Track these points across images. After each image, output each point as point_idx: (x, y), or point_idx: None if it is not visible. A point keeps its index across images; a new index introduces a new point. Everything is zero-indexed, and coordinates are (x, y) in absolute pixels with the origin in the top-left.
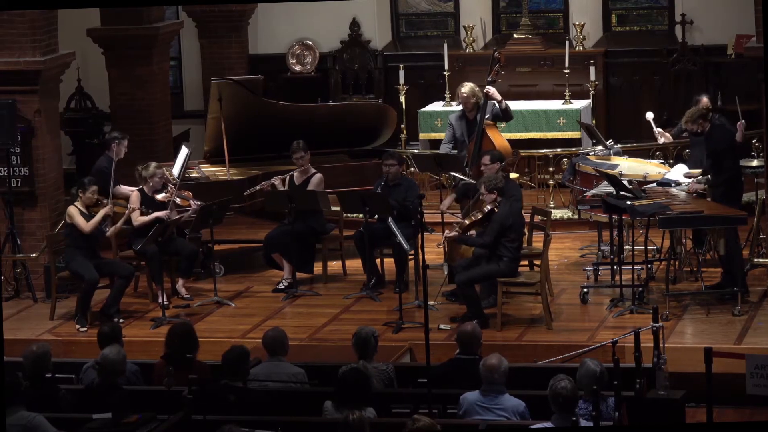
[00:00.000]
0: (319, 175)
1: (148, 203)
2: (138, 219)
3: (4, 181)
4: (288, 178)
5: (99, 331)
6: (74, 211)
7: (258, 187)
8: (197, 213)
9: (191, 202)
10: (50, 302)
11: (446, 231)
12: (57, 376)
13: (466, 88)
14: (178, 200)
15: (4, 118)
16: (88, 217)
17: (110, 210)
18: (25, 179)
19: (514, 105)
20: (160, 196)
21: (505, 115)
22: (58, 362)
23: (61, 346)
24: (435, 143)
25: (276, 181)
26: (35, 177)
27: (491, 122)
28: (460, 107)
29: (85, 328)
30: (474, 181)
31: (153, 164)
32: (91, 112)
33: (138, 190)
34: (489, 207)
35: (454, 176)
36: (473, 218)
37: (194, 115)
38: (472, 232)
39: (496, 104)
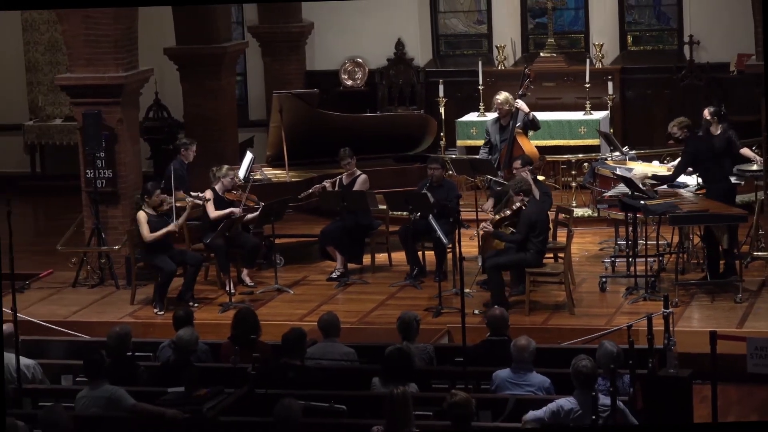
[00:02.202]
0: (363, 176)
1: (218, 201)
2: (214, 213)
3: (90, 182)
4: (337, 180)
5: (174, 315)
6: (142, 218)
7: (311, 191)
8: (261, 211)
9: (259, 203)
10: (131, 289)
11: (481, 224)
12: (137, 354)
13: (502, 96)
14: (250, 203)
15: (90, 126)
16: (155, 222)
17: (175, 227)
18: (108, 180)
19: (541, 115)
20: (229, 196)
21: (533, 125)
22: (137, 342)
23: (140, 328)
24: (471, 149)
25: (327, 183)
26: (117, 178)
27: (521, 130)
28: (496, 114)
29: (162, 312)
30: (507, 182)
31: (226, 166)
32: (167, 122)
33: (211, 189)
34: (518, 205)
35: (490, 179)
36: (503, 214)
37: (258, 124)
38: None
39: (525, 115)
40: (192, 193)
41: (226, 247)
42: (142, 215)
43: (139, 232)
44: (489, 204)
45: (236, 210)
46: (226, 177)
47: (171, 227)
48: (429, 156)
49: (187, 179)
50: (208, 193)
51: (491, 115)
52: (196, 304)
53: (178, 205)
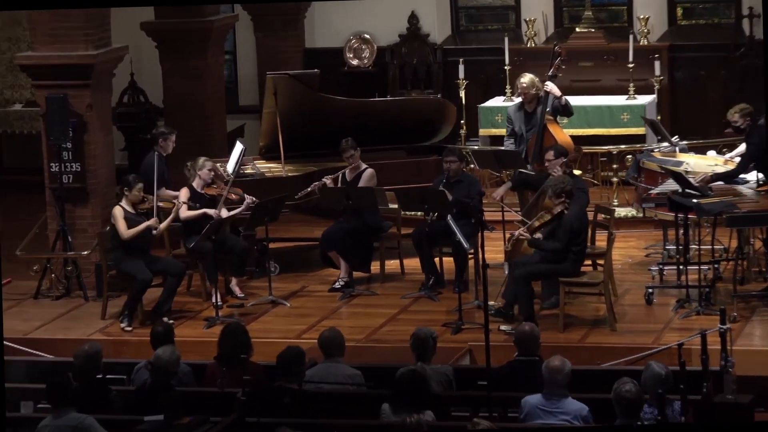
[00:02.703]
0: (370, 170)
1: (198, 199)
2: (185, 213)
3: (55, 177)
4: (340, 176)
5: (152, 331)
6: (118, 214)
7: (309, 189)
8: (253, 210)
9: (243, 196)
10: (101, 301)
11: (517, 231)
12: (108, 376)
13: (526, 78)
14: (232, 195)
15: (55, 113)
16: (132, 220)
17: (155, 222)
18: (76, 175)
19: (577, 100)
20: (210, 191)
21: (564, 111)
22: (109, 362)
23: (112, 346)
24: (495, 139)
25: (327, 180)
26: (87, 173)
27: (551, 117)
28: (519, 99)
29: (130, 328)
30: (533, 173)
31: (202, 158)
32: (143, 107)
33: (187, 186)
34: (559, 209)
35: (521, 172)
36: (542, 220)
37: (249, 110)
38: (538, 234)
39: (556, 99)
40: (167, 192)
41: (214, 252)
42: (118, 210)
43: (111, 235)
44: (502, 189)
45: (211, 211)
46: (203, 169)
47: (152, 221)
48: (446, 147)
49: (167, 174)
50: (183, 193)
51: (515, 101)
52: (171, 321)
53: (161, 204)
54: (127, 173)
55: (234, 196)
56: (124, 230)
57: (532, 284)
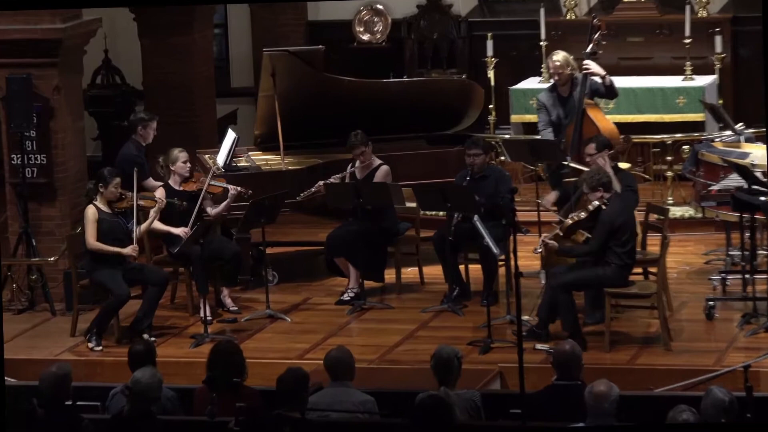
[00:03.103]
0: (385, 167)
1: (177, 197)
2: (156, 227)
3: (17, 170)
4: (348, 174)
5: (130, 351)
6: (91, 216)
7: (314, 189)
8: (247, 209)
9: (227, 187)
10: (71, 315)
11: (545, 234)
12: (79, 403)
13: (559, 56)
14: (215, 189)
15: (17, 96)
16: (108, 222)
17: (132, 252)
18: (41, 169)
19: (625, 81)
20: (189, 187)
21: (608, 92)
22: (80, 387)
23: (83, 368)
24: (529, 127)
25: (335, 180)
26: (54, 166)
27: (591, 101)
28: (552, 81)
29: (100, 348)
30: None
31: (176, 149)
32: (120, 89)
33: (163, 185)
34: (596, 204)
35: (559, 165)
36: (576, 218)
37: (243, 93)
38: (582, 237)
39: (598, 79)
40: (151, 182)
41: (203, 258)
42: (91, 211)
43: (83, 238)
44: (551, 197)
45: (179, 231)
46: (177, 162)
47: (128, 250)
48: (469, 137)
49: (147, 167)
50: (159, 193)
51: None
52: (153, 338)
53: (141, 203)
54: (102, 166)
55: (217, 190)
56: (92, 239)
57: (574, 296)
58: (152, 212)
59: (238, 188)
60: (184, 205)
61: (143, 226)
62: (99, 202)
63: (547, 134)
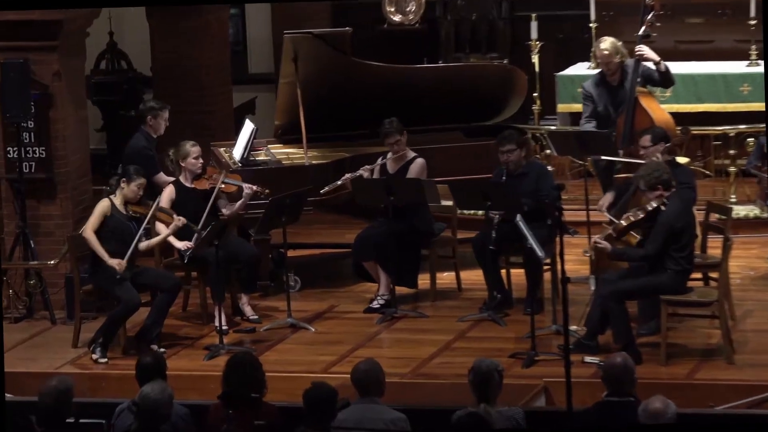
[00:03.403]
0: (420, 161)
1: (187, 196)
2: (176, 242)
3: (13, 165)
4: (378, 166)
5: (138, 363)
6: (100, 208)
7: (340, 182)
8: (266, 208)
9: (241, 185)
10: (73, 324)
11: (596, 236)
12: (82, 421)
13: (606, 43)
14: (230, 188)
15: (13, 83)
16: (117, 220)
17: (119, 267)
18: (40, 163)
19: (683, 67)
20: (200, 185)
21: (663, 80)
22: (83, 402)
23: (87, 382)
24: (577, 117)
25: (364, 172)
26: (54, 160)
27: (645, 89)
28: (599, 69)
29: (105, 359)
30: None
31: (188, 142)
32: (126, 76)
33: (173, 182)
34: (654, 204)
35: (611, 161)
36: (632, 219)
37: (261, 79)
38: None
39: (652, 66)
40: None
41: (218, 261)
42: (104, 204)
43: (100, 228)
44: (608, 198)
45: (180, 245)
46: (188, 157)
47: (115, 263)
48: (502, 131)
49: (157, 162)
50: (166, 194)
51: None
52: (163, 350)
53: (157, 215)
54: (106, 159)
55: (231, 189)
56: (90, 229)
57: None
58: (168, 230)
59: (254, 187)
60: (201, 234)
61: (153, 240)
62: (116, 199)
63: (589, 128)
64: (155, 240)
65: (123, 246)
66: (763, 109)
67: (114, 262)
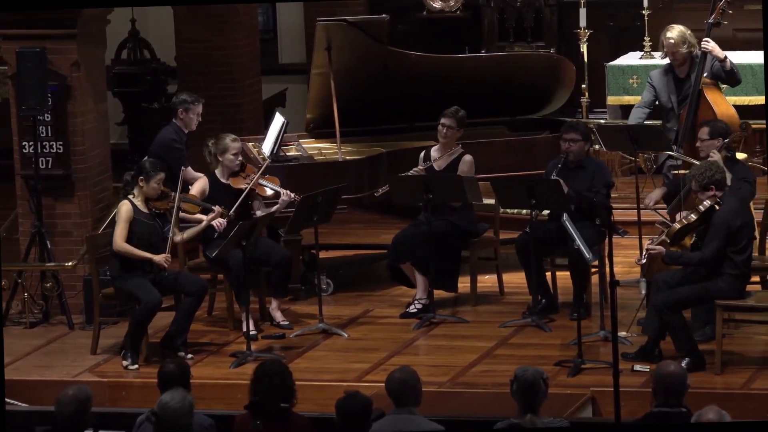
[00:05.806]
0: (469, 157)
1: (220, 192)
2: (188, 233)
3: (29, 160)
4: (422, 155)
5: (161, 371)
6: (124, 214)
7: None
8: (297, 207)
9: (278, 191)
10: (91, 330)
11: (647, 241)
12: (101, 431)
13: (674, 32)
14: (266, 191)
15: (29, 73)
16: (143, 223)
17: (164, 261)
18: (58, 158)
19: (743, 57)
20: (237, 183)
21: (729, 78)
22: (102, 413)
23: (106, 391)
24: (629, 110)
25: (417, 170)
26: (72, 156)
27: (711, 82)
28: (666, 59)
29: (135, 366)
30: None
31: (229, 136)
32: (149, 66)
33: (208, 176)
34: (707, 204)
35: (666, 157)
36: (685, 221)
37: (293, 70)
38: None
39: (719, 62)
40: (185, 197)
41: (245, 264)
42: (125, 208)
43: (110, 238)
44: (656, 194)
45: (215, 223)
46: (226, 153)
47: (159, 258)
48: (564, 121)
49: (185, 156)
50: (197, 187)
51: (659, 61)
52: (190, 355)
53: (183, 206)
54: (127, 154)
55: (267, 192)
56: (120, 240)
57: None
58: (207, 218)
59: (292, 195)
60: (230, 216)
61: (188, 232)
62: (136, 199)
63: (639, 114)
64: (193, 231)
65: (151, 249)
66: None
67: (160, 258)
